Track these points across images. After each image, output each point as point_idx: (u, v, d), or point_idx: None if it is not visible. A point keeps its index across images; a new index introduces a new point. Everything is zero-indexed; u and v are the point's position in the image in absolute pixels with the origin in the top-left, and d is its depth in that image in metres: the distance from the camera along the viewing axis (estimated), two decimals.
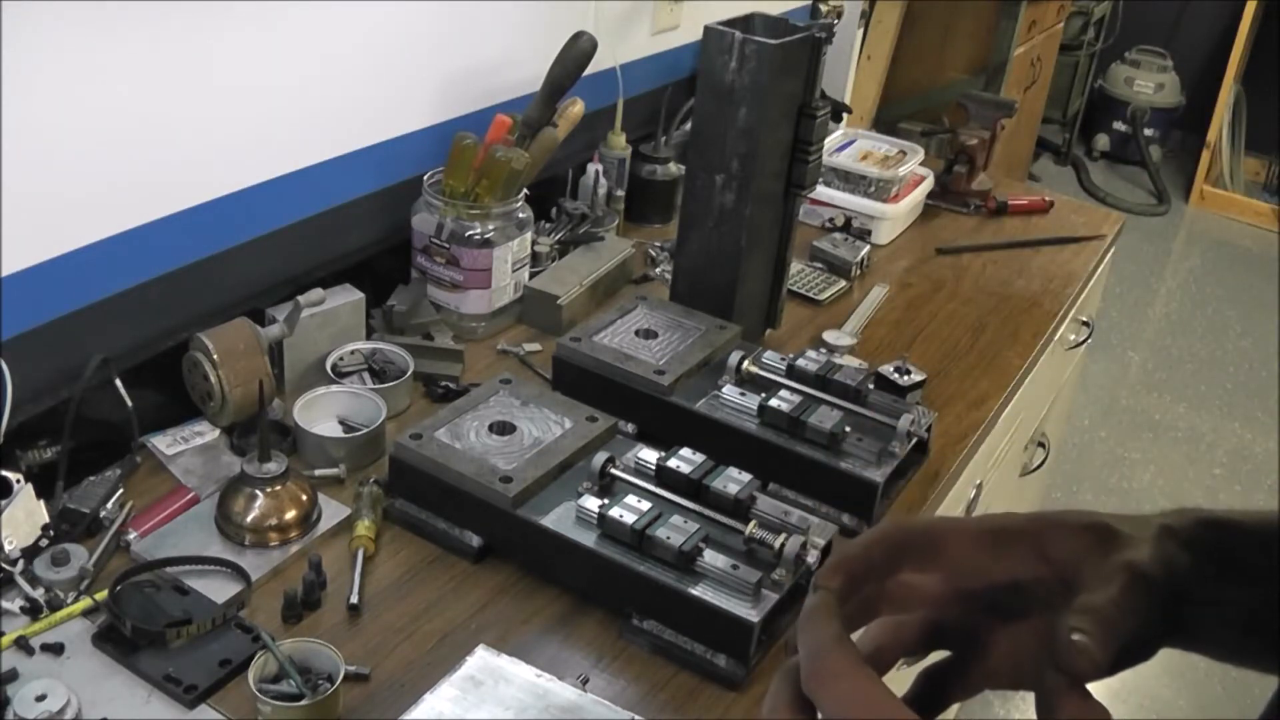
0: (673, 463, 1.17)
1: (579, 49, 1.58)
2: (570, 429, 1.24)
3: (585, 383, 1.37)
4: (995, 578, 0.54)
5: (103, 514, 1.17)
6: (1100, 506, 3.16)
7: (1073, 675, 0.47)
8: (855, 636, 0.51)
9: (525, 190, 1.59)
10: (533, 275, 1.64)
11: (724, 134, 1.46)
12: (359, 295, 1.47)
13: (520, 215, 1.58)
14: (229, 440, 1.32)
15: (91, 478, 1.21)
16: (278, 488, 1.18)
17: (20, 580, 1.08)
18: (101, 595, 1.07)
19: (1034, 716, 0.50)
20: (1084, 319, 2.14)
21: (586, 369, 1.39)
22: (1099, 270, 2.11)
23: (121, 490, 1.20)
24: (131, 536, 1.16)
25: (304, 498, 1.20)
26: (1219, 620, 0.52)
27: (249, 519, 1.17)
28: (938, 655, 0.58)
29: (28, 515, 1.11)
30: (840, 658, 0.47)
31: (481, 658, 0.99)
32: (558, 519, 1.14)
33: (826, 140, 1.73)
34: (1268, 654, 0.53)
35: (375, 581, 1.16)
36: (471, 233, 1.53)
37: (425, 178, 1.56)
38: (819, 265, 1.87)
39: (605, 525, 1.12)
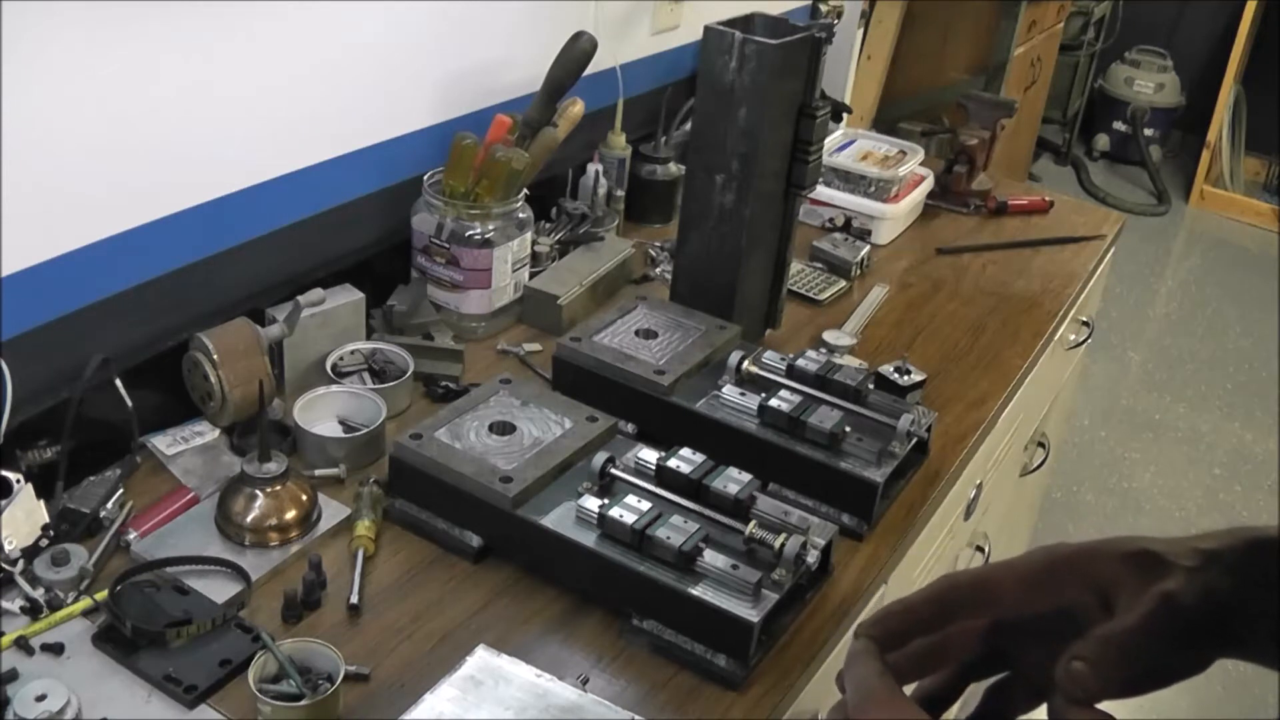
0: (673, 463, 1.17)
1: (579, 49, 1.58)
2: (570, 429, 1.24)
3: (585, 383, 1.37)
4: (1044, 608, 0.55)
5: (103, 514, 1.16)
6: (1100, 506, 3.19)
7: (1068, 699, 0.49)
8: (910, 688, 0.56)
9: (525, 190, 1.59)
10: (533, 275, 1.64)
11: (724, 134, 1.46)
12: (359, 295, 1.47)
13: (520, 215, 1.58)
14: (229, 440, 1.32)
15: (91, 478, 1.21)
16: (278, 488, 1.18)
17: (20, 580, 1.08)
18: (101, 595, 1.07)
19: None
20: (1084, 319, 2.14)
21: (586, 369, 1.38)
22: (1099, 270, 2.11)
23: (121, 490, 1.20)
24: (131, 536, 1.16)
25: (304, 498, 1.20)
26: (1269, 633, 0.53)
27: (249, 519, 1.17)
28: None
29: (28, 515, 1.11)
30: (881, 690, 0.52)
31: (481, 658, 0.99)
32: (558, 519, 1.14)
33: (826, 140, 1.73)
34: None
35: (375, 581, 1.16)
36: (471, 233, 1.53)
37: (425, 178, 1.56)
38: (819, 265, 1.87)
39: (605, 525, 1.12)
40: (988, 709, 0.59)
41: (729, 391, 1.34)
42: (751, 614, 1.05)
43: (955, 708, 0.60)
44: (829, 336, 1.64)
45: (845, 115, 2.19)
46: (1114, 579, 0.53)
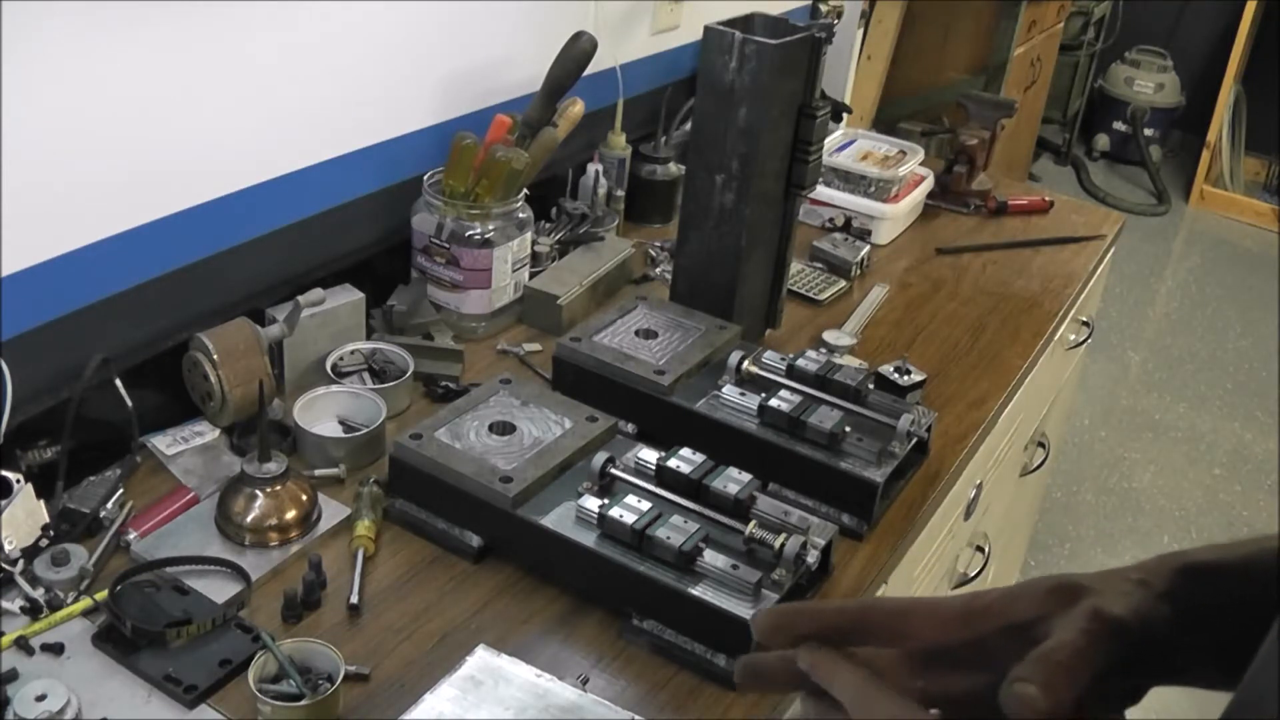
0: (673, 463, 1.17)
1: (579, 49, 1.58)
2: (570, 429, 1.24)
3: (585, 383, 1.37)
4: (959, 643, 0.54)
5: (103, 514, 1.16)
6: (1100, 506, 3.19)
7: None
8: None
9: (525, 190, 1.59)
10: (533, 275, 1.64)
11: (724, 134, 1.46)
12: (359, 295, 1.47)
13: (520, 215, 1.58)
14: (229, 440, 1.32)
15: (91, 478, 1.21)
16: (278, 488, 1.18)
17: (20, 580, 1.08)
18: (101, 595, 1.07)
19: None
20: (1084, 319, 2.14)
21: (586, 369, 1.39)
22: (1099, 270, 2.11)
23: (121, 490, 1.20)
24: (131, 536, 1.16)
25: (304, 498, 1.20)
26: (1207, 659, 0.53)
27: (249, 519, 1.17)
28: None
29: (28, 515, 1.11)
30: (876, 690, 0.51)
31: (481, 658, 1.00)
32: (558, 519, 1.14)
33: (826, 140, 1.73)
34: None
35: (375, 581, 1.16)
36: (471, 233, 1.53)
37: (425, 178, 1.56)
38: (819, 265, 1.87)
39: (605, 525, 1.12)
40: None
41: (729, 391, 1.34)
42: (751, 614, 1.05)
43: None
44: (829, 336, 1.64)
45: (845, 115, 2.19)
46: (1040, 613, 0.52)
